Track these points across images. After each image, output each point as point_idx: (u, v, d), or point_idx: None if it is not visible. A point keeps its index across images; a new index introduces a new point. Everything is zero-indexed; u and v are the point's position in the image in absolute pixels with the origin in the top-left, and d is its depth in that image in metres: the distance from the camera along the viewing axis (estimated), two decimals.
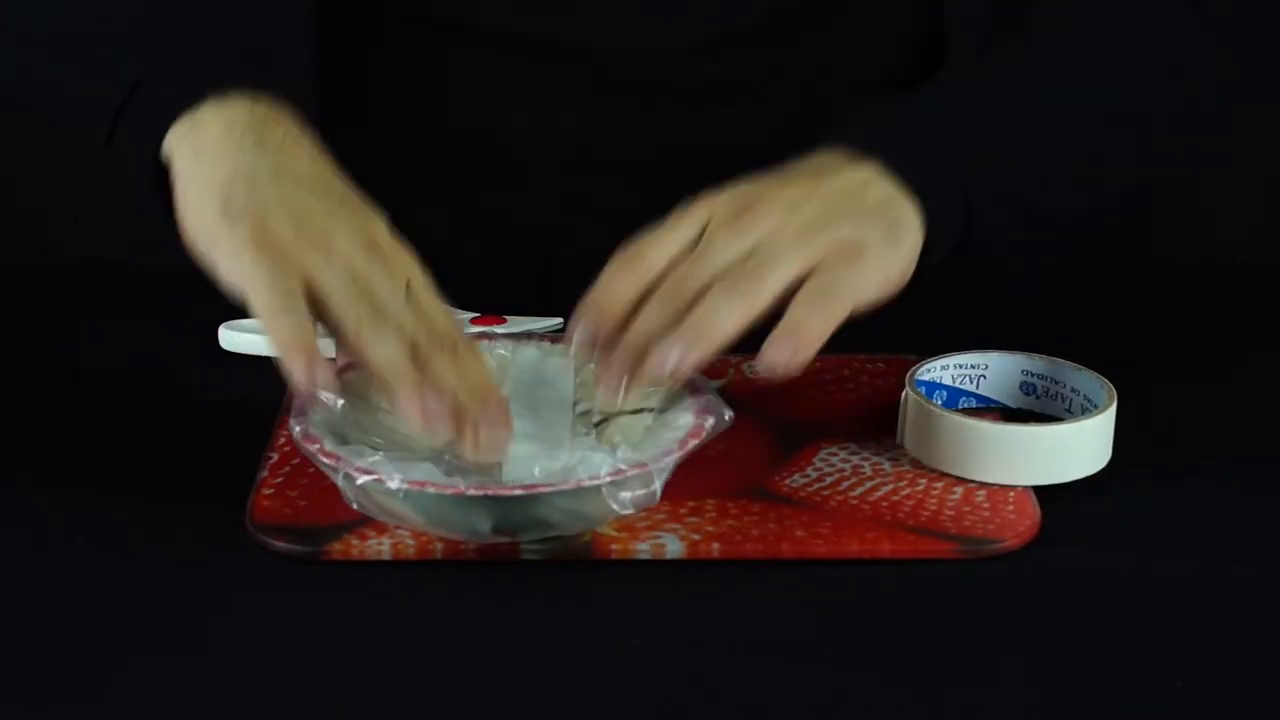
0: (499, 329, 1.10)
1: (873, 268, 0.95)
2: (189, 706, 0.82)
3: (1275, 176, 1.79)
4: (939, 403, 0.99)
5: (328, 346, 1.03)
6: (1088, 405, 0.99)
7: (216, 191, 0.95)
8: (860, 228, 0.95)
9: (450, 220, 1.26)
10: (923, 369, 1.01)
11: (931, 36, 1.32)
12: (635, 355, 0.92)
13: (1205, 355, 1.14)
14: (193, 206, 0.95)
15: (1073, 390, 1.01)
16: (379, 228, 0.95)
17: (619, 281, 0.94)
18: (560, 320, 1.11)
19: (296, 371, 0.90)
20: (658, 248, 0.95)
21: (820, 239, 0.94)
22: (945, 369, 1.02)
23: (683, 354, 0.91)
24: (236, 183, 0.95)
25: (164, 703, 0.82)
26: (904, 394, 0.99)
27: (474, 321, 1.11)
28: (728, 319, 0.92)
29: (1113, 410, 0.97)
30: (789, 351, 0.91)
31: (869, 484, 0.97)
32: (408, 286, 0.93)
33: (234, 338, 1.10)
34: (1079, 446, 0.96)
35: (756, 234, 0.95)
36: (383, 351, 0.91)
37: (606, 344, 0.94)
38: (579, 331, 0.94)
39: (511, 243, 1.27)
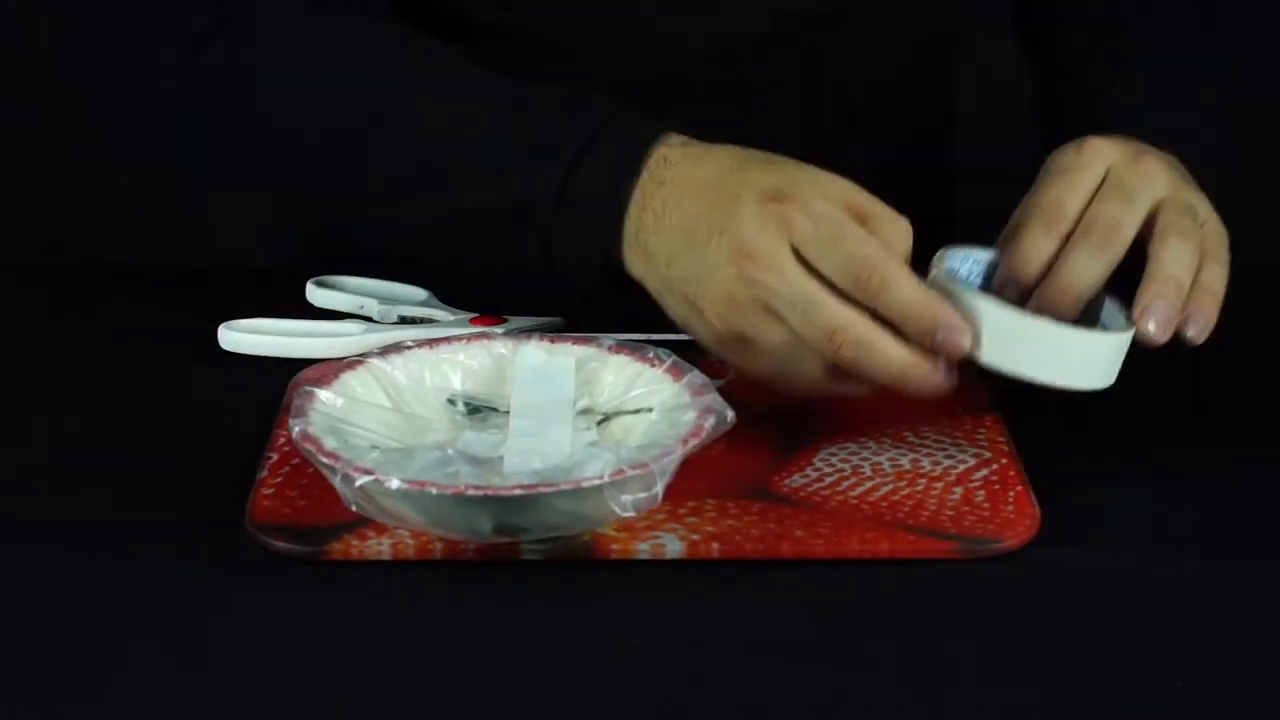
0: (499, 329, 1.10)
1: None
2: (189, 706, 0.82)
3: (1275, 176, 1.79)
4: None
5: (357, 345, 1.04)
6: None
7: None
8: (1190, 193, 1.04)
9: None
10: (950, 257, 1.02)
11: (945, 37, 1.32)
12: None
13: (1205, 355, 1.13)
14: None
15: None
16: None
17: (1043, 239, 1.00)
18: (560, 320, 1.12)
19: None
20: (1073, 199, 1.00)
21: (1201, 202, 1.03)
22: (964, 261, 1.03)
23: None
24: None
25: (164, 703, 0.82)
26: (933, 274, 0.99)
27: (473, 321, 1.11)
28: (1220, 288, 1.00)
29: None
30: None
31: (869, 484, 0.97)
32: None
33: (234, 338, 1.10)
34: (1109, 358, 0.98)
35: (1158, 178, 1.01)
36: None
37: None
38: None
39: None
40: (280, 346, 1.10)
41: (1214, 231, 1.03)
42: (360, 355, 0.99)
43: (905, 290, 0.94)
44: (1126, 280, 1.00)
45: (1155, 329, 0.98)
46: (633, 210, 1.00)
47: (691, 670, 0.84)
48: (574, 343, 1.01)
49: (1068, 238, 1.01)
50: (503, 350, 1.01)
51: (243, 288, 1.20)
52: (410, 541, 0.91)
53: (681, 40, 1.21)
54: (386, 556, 0.91)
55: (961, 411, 1.03)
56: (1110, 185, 1.01)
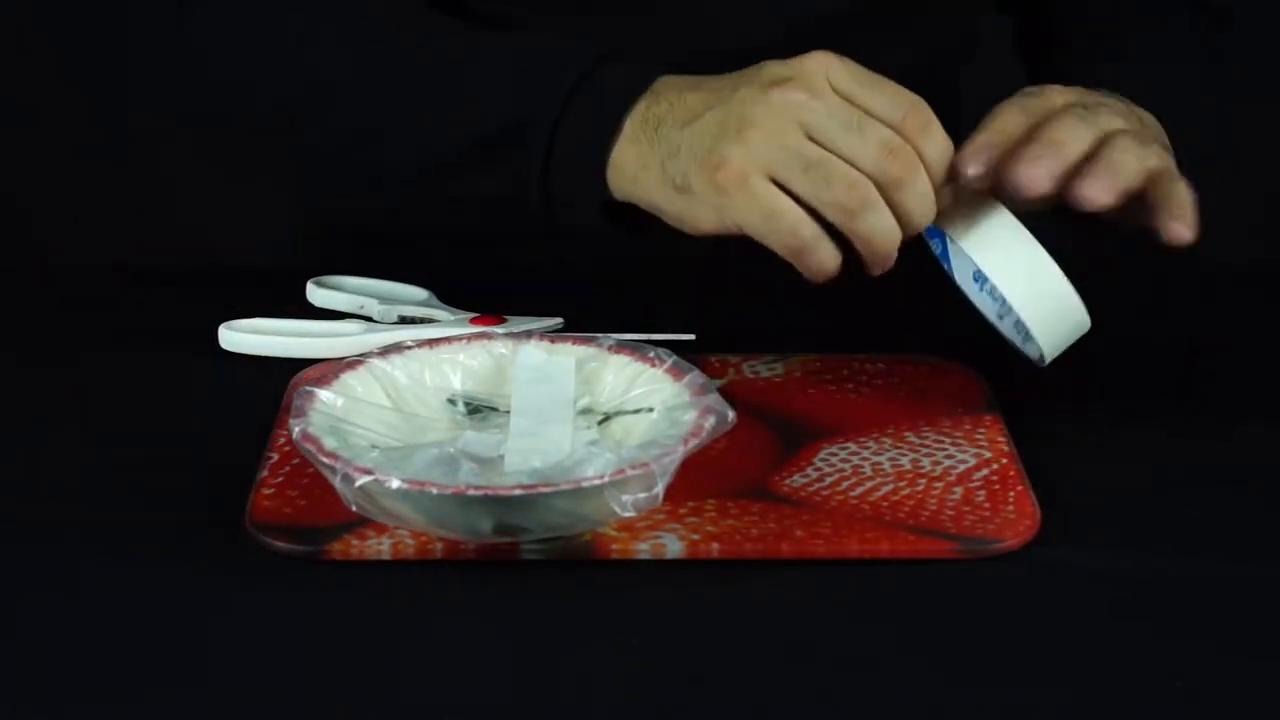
0: (499, 329, 1.10)
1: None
2: (189, 706, 0.82)
3: (1275, 176, 1.79)
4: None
5: (357, 345, 1.04)
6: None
7: None
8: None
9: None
10: None
11: (964, 38, 1.32)
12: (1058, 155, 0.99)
13: (1205, 355, 1.13)
14: None
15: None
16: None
17: (1017, 116, 1.00)
18: (560, 320, 1.11)
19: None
20: (1052, 94, 1.01)
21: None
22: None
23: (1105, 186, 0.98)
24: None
25: (164, 703, 0.82)
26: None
27: (473, 321, 1.11)
28: (1133, 169, 0.99)
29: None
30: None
31: (869, 484, 0.97)
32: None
33: (234, 338, 1.10)
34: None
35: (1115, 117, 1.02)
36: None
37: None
38: (973, 157, 0.99)
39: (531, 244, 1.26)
40: (280, 346, 1.10)
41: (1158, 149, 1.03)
42: (360, 355, 0.99)
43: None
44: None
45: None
46: (634, 118, 1.02)
47: (691, 670, 0.84)
48: (574, 343, 1.01)
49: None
50: (503, 350, 1.01)
51: (243, 288, 1.20)
52: (410, 541, 0.91)
53: (698, 42, 1.20)
54: (386, 556, 0.91)
55: (961, 411, 1.03)
56: (1066, 110, 1.01)
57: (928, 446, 1.00)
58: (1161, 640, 0.87)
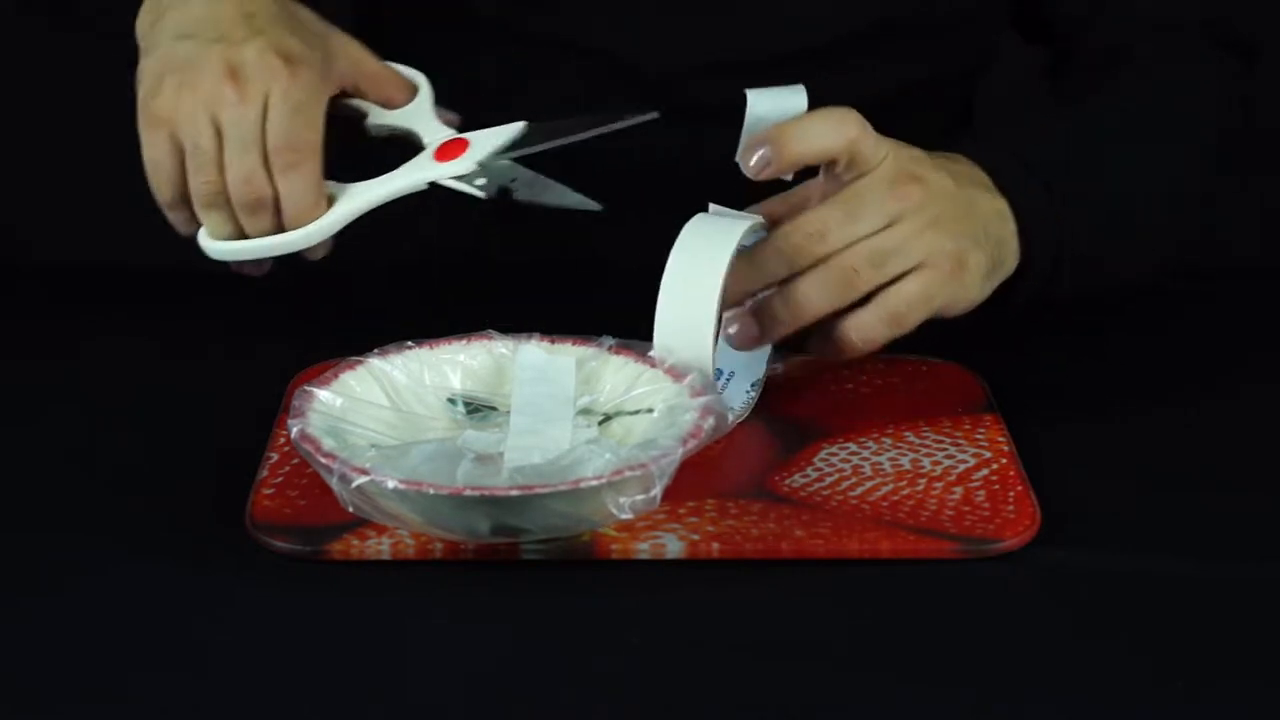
0: (464, 155, 1.07)
1: (964, 293, 1.01)
2: (189, 706, 0.82)
3: (1274, 176, 1.79)
4: None
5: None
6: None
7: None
8: (974, 255, 1.00)
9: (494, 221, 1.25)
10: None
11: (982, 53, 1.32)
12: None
13: (1204, 355, 1.14)
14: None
15: None
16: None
17: (775, 257, 0.99)
18: (524, 124, 1.09)
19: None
20: (838, 234, 0.98)
21: (943, 243, 0.99)
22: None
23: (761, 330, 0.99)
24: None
25: (164, 702, 0.82)
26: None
27: (440, 148, 1.09)
28: (820, 304, 0.99)
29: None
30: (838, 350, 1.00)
31: (869, 484, 0.97)
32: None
33: (214, 245, 1.08)
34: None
35: (906, 209, 0.99)
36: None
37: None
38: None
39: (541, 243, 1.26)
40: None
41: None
42: (360, 356, 0.99)
43: None
44: None
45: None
46: None
47: (691, 670, 0.84)
48: (575, 343, 1.01)
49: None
50: (503, 350, 1.01)
51: (242, 287, 1.20)
52: (410, 541, 0.91)
53: (712, 54, 1.20)
54: (386, 556, 0.91)
55: (961, 411, 1.03)
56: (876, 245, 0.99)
57: (928, 446, 1.00)
58: (1161, 640, 0.87)
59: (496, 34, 1.22)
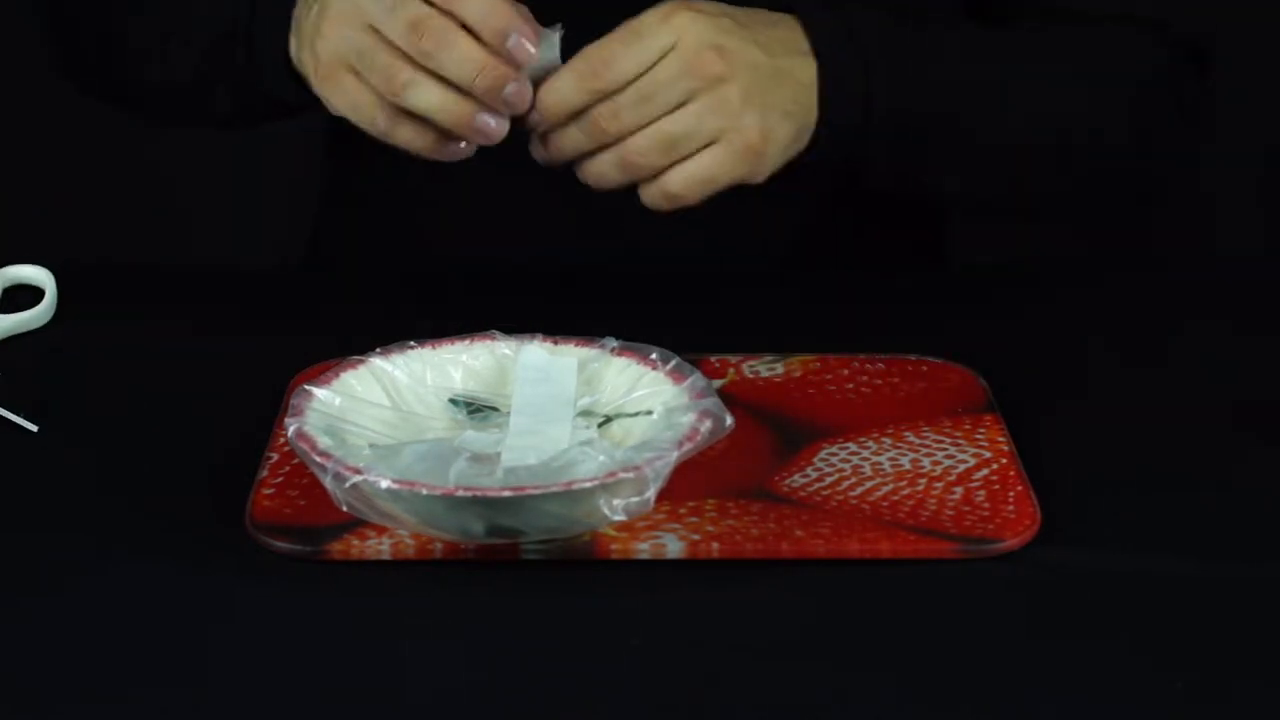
0: None
1: (761, 166, 1.03)
2: (189, 706, 0.82)
3: (1273, 176, 1.79)
4: None
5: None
6: None
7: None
8: (781, 127, 1.03)
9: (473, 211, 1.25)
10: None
11: None
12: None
13: (1203, 355, 1.14)
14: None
15: None
16: None
17: (572, 90, 1.02)
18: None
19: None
20: (621, 65, 1.01)
21: (741, 119, 1.01)
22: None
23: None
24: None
25: (164, 703, 0.82)
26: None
27: None
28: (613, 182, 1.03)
29: None
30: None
31: (869, 484, 0.97)
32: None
33: None
34: None
35: (702, 86, 1.01)
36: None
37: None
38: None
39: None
40: None
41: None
42: (361, 355, 0.99)
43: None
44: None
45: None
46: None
47: (691, 670, 0.84)
48: (577, 344, 1.01)
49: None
50: (505, 350, 1.01)
51: (240, 288, 1.20)
52: (410, 541, 0.91)
53: None
54: (386, 556, 0.91)
55: (961, 411, 1.03)
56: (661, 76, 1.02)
57: (928, 446, 1.00)
58: (1161, 640, 0.87)
59: None
